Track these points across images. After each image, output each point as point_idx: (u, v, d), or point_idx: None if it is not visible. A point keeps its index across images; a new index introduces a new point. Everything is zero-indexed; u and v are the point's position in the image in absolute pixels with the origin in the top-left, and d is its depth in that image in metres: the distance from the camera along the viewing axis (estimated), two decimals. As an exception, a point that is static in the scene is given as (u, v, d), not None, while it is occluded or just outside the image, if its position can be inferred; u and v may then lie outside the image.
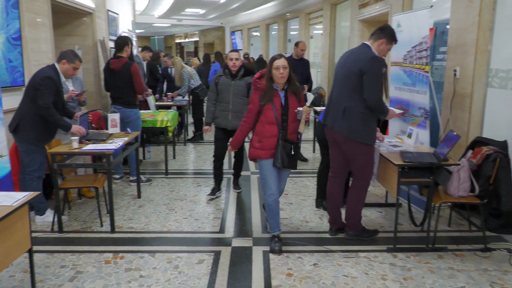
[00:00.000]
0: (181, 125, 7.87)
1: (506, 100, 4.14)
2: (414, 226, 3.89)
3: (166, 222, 4.02)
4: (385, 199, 4.58)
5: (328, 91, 10.55)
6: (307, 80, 6.71)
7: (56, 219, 3.77)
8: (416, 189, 4.18)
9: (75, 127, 3.89)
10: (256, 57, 15.64)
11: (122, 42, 4.93)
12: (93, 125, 5.14)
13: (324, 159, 4.23)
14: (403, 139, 4.14)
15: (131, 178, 5.14)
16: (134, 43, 9.71)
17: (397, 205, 3.45)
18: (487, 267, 3.17)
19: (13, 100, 4.07)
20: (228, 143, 4.07)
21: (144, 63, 7.33)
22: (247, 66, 4.55)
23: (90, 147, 3.78)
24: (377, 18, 7.63)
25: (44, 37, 5.00)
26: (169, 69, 7.74)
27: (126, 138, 4.14)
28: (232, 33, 20.36)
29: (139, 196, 4.69)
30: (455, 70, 4.51)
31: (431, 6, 4.00)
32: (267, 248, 3.46)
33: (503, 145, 3.53)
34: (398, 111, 4.07)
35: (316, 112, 6.27)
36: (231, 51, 4.52)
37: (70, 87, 4.36)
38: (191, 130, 8.43)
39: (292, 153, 3.35)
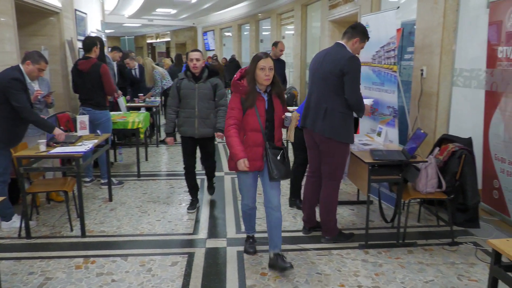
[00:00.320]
0: (153, 126, 7.78)
1: (470, 99, 4.30)
2: (385, 223, 3.97)
3: (138, 225, 3.97)
4: (356, 196, 4.66)
5: (300, 91, 10.65)
6: (284, 81, 6.76)
7: (23, 224, 3.65)
8: (386, 186, 4.27)
9: (58, 130, 3.82)
10: (228, 57, 15.65)
11: (91, 43, 4.82)
12: (61, 127, 5.01)
13: (297, 159, 4.27)
14: (373, 138, 4.22)
15: (102, 181, 5.04)
16: (104, 43, 9.51)
17: (368, 203, 3.51)
18: (454, 260, 3.27)
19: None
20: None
21: (114, 63, 7.20)
22: (212, 67, 4.25)
23: (59, 150, 3.68)
24: (347, 19, 7.76)
25: (8, 37, 4.84)
26: (132, 71, 7.61)
27: (96, 141, 4.06)
28: (204, 33, 20.27)
29: (110, 199, 4.60)
30: (422, 70, 4.65)
31: (398, 7, 4.10)
32: (241, 249, 3.47)
33: (468, 142, 3.66)
34: (369, 101, 4.07)
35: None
36: (192, 51, 4.04)
37: (36, 88, 4.23)
38: (163, 131, 8.33)
39: (285, 159, 3.03)
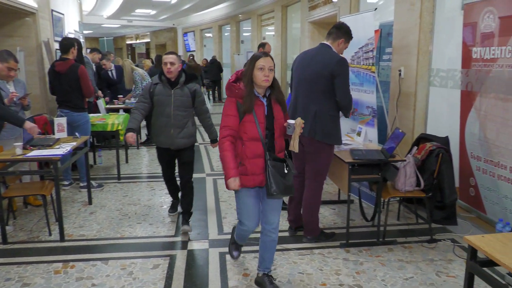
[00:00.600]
0: None
1: (447, 98, 4.39)
2: (366, 221, 4.02)
3: (119, 228, 3.92)
4: (337, 196, 4.71)
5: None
6: None
7: (-1, 230, 3.57)
8: (366, 185, 4.33)
9: (29, 124, 3.74)
10: (209, 58, 15.61)
11: (68, 44, 4.74)
12: (38, 129, 4.90)
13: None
14: (353, 137, 4.27)
15: (81, 184, 4.96)
16: (82, 44, 9.37)
17: (349, 202, 3.55)
18: (433, 257, 3.34)
19: None
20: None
21: (93, 65, 7.09)
22: (189, 71, 3.87)
23: (36, 153, 3.61)
24: (326, 20, 7.84)
25: (-19, 38, 4.72)
26: (109, 72, 7.51)
27: (74, 143, 4.00)
28: (185, 34, 20.15)
29: (90, 203, 4.54)
30: (399, 70, 4.72)
31: (376, 9, 4.16)
32: (223, 250, 3.46)
33: (445, 140, 3.74)
34: None
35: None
36: (166, 53, 3.64)
37: (11, 90, 4.14)
38: (144, 133, 8.25)
39: (286, 172, 2.65)
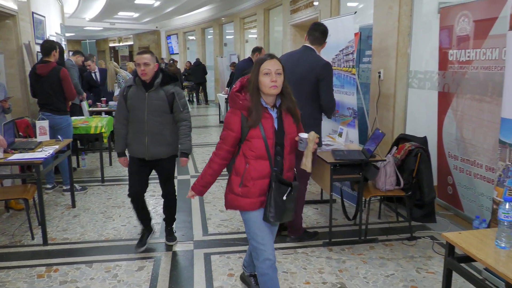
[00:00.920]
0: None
1: (425, 99, 4.47)
2: (348, 220, 4.06)
3: (103, 230, 3.86)
4: (320, 196, 4.73)
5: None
6: None
7: (-20, 235, 3.49)
8: (348, 185, 4.37)
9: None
10: (192, 61, 15.55)
11: (50, 46, 4.66)
12: (20, 133, 4.81)
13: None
14: (334, 138, 4.30)
15: (64, 187, 4.88)
16: (64, 47, 9.23)
17: (331, 201, 3.57)
18: (413, 254, 3.39)
19: None
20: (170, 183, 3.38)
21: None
22: (168, 71, 3.47)
23: (17, 156, 3.54)
24: (307, 23, 7.87)
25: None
26: (93, 74, 7.41)
27: (56, 146, 3.93)
28: (168, 37, 20.02)
29: (73, 206, 4.46)
30: (379, 72, 4.79)
31: (355, 12, 4.21)
32: (208, 250, 3.45)
33: (423, 140, 3.80)
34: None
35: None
36: (139, 53, 3.19)
37: (-8, 93, 4.05)
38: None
39: (284, 198, 2.29)
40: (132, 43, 24.02)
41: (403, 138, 4.02)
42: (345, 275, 3.06)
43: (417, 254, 3.39)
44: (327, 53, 4.44)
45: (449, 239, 2.00)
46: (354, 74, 4.21)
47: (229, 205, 2.45)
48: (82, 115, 6.36)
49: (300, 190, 3.51)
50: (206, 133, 9.20)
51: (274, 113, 2.31)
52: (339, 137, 4.26)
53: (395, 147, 3.92)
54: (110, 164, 6.31)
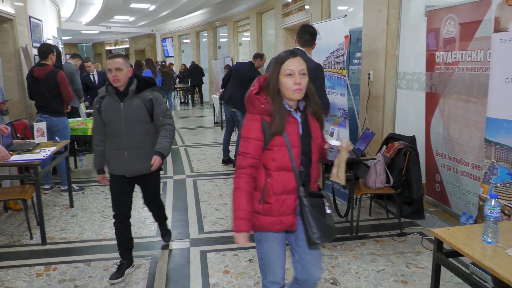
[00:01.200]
0: None
1: (413, 100, 4.49)
2: (339, 217, 4.07)
3: (101, 230, 3.84)
4: (313, 194, 4.74)
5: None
6: None
7: (-21, 235, 3.45)
8: (339, 183, 4.37)
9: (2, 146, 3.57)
10: (187, 64, 15.50)
11: (47, 50, 4.62)
12: (18, 135, 4.77)
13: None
14: (326, 138, 4.31)
15: (62, 188, 4.84)
16: (61, 50, 9.15)
17: (323, 199, 3.58)
18: (403, 249, 3.40)
19: None
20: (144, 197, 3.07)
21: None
22: (141, 75, 3.00)
23: (15, 158, 3.51)
24: (299, 26, 7.89)
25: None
26: (91, 76, 7.35)
27: (54, 148, 3.90)
28: (163, 40, 19.95)
29: (71, 206, 4.43)
30: (369, 74, 4.81)
31: (345, 16, 4.22)
32: (204, 248, 3.44)
33: (412, 139, 3.82)
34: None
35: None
36: (110, 57, 2.76)
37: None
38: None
39: (328, 211, 1.94)
40: (128, 46, 23.89)
41: (392, 138, 4.04)
42: (337, 271, 3.06)
43: (406, 249, 3.41)
44: (318, 55, 4.45)
45: (438, 235, 2.01)
46: (344, 76, 4.22)
47: (239, 228, 1.95)
48: (80, 117, 6.32)
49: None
50: (201, 133, 9.18)
51: (298, 117, 1.94)
52: (330, 137, 4.27)
53: (384, 146, 3.94)
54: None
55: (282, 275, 2.03)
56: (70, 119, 5.38)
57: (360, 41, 5.06)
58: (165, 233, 3.52)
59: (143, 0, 11.81)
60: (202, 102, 14.92)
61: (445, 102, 3.84)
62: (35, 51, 6.97)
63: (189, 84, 14.78)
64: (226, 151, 6.13)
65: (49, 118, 4.58)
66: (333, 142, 1.98)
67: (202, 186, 5.13)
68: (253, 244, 3.46)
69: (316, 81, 3.28)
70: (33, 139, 4.26)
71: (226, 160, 6.14)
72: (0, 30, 6.26)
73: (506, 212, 2.56)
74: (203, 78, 14.37)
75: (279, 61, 1.89)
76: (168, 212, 4.29)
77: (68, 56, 7.09)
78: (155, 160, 2.80)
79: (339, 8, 6.60)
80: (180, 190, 4.98)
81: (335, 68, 4.35)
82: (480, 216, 2.81)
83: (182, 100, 15.65)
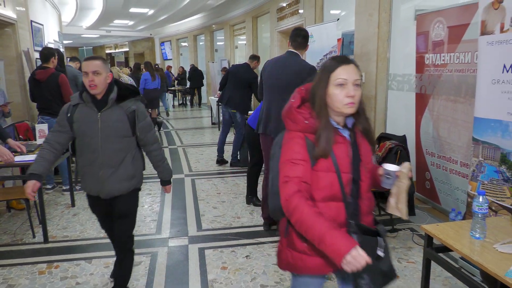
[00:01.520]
0: None
1: (403, 100, 4.50)
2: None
3: (101, 228, 3.82)
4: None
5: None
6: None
7: (-17, 234, 3.42)
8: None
9: (12, 142, 3.53)
10: (185, 67, 15.48)
11: (48, 53, 4.60)
12: (20, 136, 4.74)
13: (253, 159, 4.29)
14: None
15: (64, 188, 4.81)
16: (63, 54, 9.11)
17: (318, 197, 3.57)
18: (394, 245, 3.41)
19: None
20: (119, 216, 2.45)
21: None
22: (123, 82, 2.53)
23: (18, 159, 3.48)
24: (293, 30, 7.91)
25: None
26: None
27: (56, 148, 3.87)
28: (162, 43, 19.90)
29: (73, 205, 4.41)
30: (361, 75, 4.81)
31: (338, 19, 4.22)
32: (202, 245, 3.43)
33: (403, 139, 3.83)
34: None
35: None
36: (86, 59, 2.30)
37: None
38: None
39: (382, 254, 1.54)
40: (127, 49, 23.82)
41: (384, 137, 4.05)
42: (331, 266, 3.06)
43: (398, 245, 3.41)
44: (312, 58, 4.46)
45: (428, 230, 2.01)
46: (337, 77, 4.23)
47: (286, 264, 1.64)
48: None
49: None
50: (199, 134, 9.17)
51: (348, 135, 1.57)
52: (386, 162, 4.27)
53: (376, 146, 3.94)
54: (108, 164, 6.25)
55: None
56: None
57: (352, 44, 5.07)
58: (119, 276, 2.60)
59: (142, 4, 11.78)
60: (200, 104, 14.91)
61: (434, 103, 3.85)
62: (36, 55, 6.94)
63: (187, 86, 14.78)
64: (221, 151, 6.13)
65: (50, 119, 4.55)
66: (390, 166, 1.59)
67: (200, 185, 5.12)
68: (250, 241, 3.49)
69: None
70: (35, 140, 4.23)
71: (220, 160, 6.14)
72: (2, 34, 6.22)
73: (493, 208, 2.57)
74: (204, 81, 14.39)
75: (329, 67, 1.52)
76: (167, 209, 4.28)
77: (68, 60, 7.05)
78: (168, 189, 2.70)
79: (332, 12, 6.61)
80: (178, 189, 4.97)
81: (328, 70, 4.35)
82: (468, 213, 2.82)
83: (181, 102, 15.63)
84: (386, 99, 4.65)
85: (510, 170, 2.53)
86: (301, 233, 1.45)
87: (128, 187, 2.43)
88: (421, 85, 4.01)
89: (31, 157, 3.53)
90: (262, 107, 3.57)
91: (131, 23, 16.13)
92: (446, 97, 3.70)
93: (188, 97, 15.26)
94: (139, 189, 2.58)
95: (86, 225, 3.88)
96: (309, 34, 4.54)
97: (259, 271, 3.00)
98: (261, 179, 3.96)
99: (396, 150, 3.65)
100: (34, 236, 3.62)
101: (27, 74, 6.30)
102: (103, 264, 3.12)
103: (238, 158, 6.02)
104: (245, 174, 4.49)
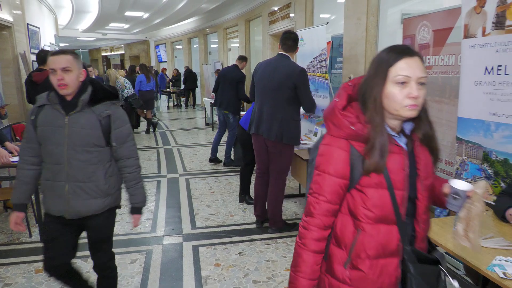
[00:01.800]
0: None
1: (391, 101, 4.52)
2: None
3: (97, 227, 3.79)
4: (298, 190, 4.76)
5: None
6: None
7: (-20, 233, 3.38)
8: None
9: (10, 144, 3.49)
10: (180, 69, 15.42)
11: (45, 56, 4.55)
12: (17, 137, 4.69)
13: (245, 159, 4.29)
14: (310, 137, 4.33)
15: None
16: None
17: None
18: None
19: None
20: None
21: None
22: (99, 82, 2.06)
23: (15, 159, 3.44)
24: (285, 33, 7.92)
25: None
26: None
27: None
28: (157, 46, 19.82)
29: (69, 204, 4.36)
30: (349, 77, 4.83)
31: (327, 23, 4.24)
32: (196, 243, 3.42)
33: (390, 138, 3.85)
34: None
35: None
36: (53, 53, 1.89)
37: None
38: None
39: (455, 284, 1.23)
40: (123, 52, 23.69)
41: (372, 137, 4.06)
42: (321, 262, 3.07)
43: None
44: (302, 60, 4.47)
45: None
46: (327, 79, 4.24)
47: None
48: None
49: (279, 187, 3.52)
50: (193, 134, 9.13)
51: (403, 144, 1.24)
52: (314, 137, 4.28)
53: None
54: (104, 164, 6.21)
55: None
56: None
57: (341, 46, 5.09)
58: None
59: (137, 8, 11.71)
60: (194, 105, 14.87)
61: (420, 103, 3.88)
62: (33, 57, 6.87)
63: (182, 88, 14.74)
64: (214, 150, 6.15)
65: (47, 121, 4.51)
66: (459, 184, 1.24)
67: (194, 184, 5.11)
68: (243, 238, 3.50)
69: (301, 84, 3.29)
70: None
71: (213, 159, 6.16)
72: (-1, 37, 6.16)
73: (476, 204, 2.60)
74: (198, 82, 14.37)
75: (387, 60, 1.18)
76: (162, 208, 4.26)
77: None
78: (135, 219, 2.12)
79: (322, 16, 6.63)
80: (173, 188, 4.95)
81: (318, 72, 4.36)
82: (452, 209, 2.84)
83: (175, 103, 15.57)
84: (374, 100, 4.67)
85: (492, 168, 2.56)
86: (292, 263, 1.30)
87: (100, 206, 1.99)
88: (407, 87, 4.03)
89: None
90: (254, 108, 3.58)
91: (126, 26, 16.04)
92: (431, 98, 3.72)
93: (183, 99, 15.21)
94: (118, 207, 2.16)
95: (82, 224, 3.85)
96: (300, 37, 4.56)
97: (252, 268, 3.00)
98: (253, 178, 3.96)
99: (384, 149, 3.66)
100: (30, 236, 3.58)
101: (24, 76, 6.23)
102: (99, 262, 3.09)
103: (232, 158, 6.02)
104: (238, 173, 4.49)
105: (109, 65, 25.71)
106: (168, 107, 15.12)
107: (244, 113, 4.73)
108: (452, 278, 1.24)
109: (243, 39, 10.85)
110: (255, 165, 3.77)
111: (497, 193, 2.37)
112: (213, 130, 9.31)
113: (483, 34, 2.56)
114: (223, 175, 5.52)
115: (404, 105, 1.16)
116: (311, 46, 4.39)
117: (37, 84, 4.48)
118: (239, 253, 3.23)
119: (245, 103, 9.49)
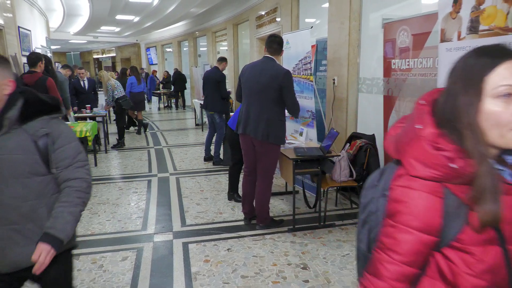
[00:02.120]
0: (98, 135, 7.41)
1: (372, 102, 4.58)
2: (309, 208, 4.10)
3: (89, 225, 3.75)
4: (285, 188, 4.77)
5: (234, 98, 10.68)
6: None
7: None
8: (308, 177, 4.42)
9: None
10: (170, 71, 15.32)
11: (36, 58, 4.48)
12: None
13: (233, 158, 4.28)
14: (296, 137, 4.34)
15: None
16: (51, 58, 8.89)
17: (294, 192, 3.60)
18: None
19: None
20: None
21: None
22: (36, 92, 1.51)
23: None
24: (271, 37, 7.93)
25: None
26: (81, 81, 7.17)
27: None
28: (147, 49, 19.65)
29: (61, 204, 4.29)
30: (334, 79, 4.87)
31: (312, 27, 4.26)
32: (186, 240, 3.41)
33: (372, 138, 3.89)
34: None
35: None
36: None
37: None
38: (114, 138, 7.96)
39: None
40: (114, 54, 23.43)
41: (354, 136, 4.10)
42: (307, 257, 3.09)
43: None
44: (288, 63, 4.48)
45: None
46: (312, 81, 4.26)
47: None
48: (68, 121, 6.16)
49: (266, 185, 3.53)
50: (183, 134, 9.08)
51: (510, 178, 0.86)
52: (300, 136, 4.30)
53: (348, 144, 3.99)
54: (95, 165, 6.12)
55: None
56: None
57: (325, 50, 5.12)
58: None
59: (128, 12, 11.59)
60: (184, 106, 14.79)
61: (400, 104, 3.93)
62: (24, 60, 6.75)
63: (172, 90, 14.65)
64: (207, 149, 6.14)
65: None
66: None
67: (184, 183, 5.08)
68: (231, 235, 3.49)
69: (286, 86, 3.30)
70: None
71: (207, 158, 6.14)
72: (-10, 40, 6.03)
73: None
74: (186, 84, 14.29)
75: (480, 67, 0.83)
76: (153, 207, 4.22)
77: (59, 66, 6.92)
78: (39, 251, 1.36)
79: (307, 20, 6.66)
80: (164, 187, 4.91)
81: (303, 74, 4.38)
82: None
83: (166, 104, 15.47)
84: (357, 101, 4.71)
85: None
86: None
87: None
88: (388, 88, 4.08)
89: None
90: (241, 109, 3.57)
91: (117, 29, 15.86)
92: (410, 99, 3.78)
93: (173, 100, 15.12)
94: (74, 248, 1.68)
95: (74, 223, 3.80)
96: (285, 41, 4.57)
97: (240, 263, 3.00)
98: (241, 177, 3.95)
99: (366, 148, 3.70)
100: (22, 235, 3.51)
101: (15, 78, 6.12)
102: (91, 260, 3.06)
103: (221, 157, 6.01)
104: (227, 172, 4.48)
105: (100, 67, 25.39)
106: (159, 108, 15.00)
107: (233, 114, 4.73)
108: None
109: (231, 42, 10.84)
110: (243, 164, 3.77)
111: None
112: (202, 131, 9.28)
113: (459, 38, 2.60)
114: (213, 174, 5.50)
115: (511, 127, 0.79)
116: (296, 49, 4.41)
117: (28, 86, 4.40)
118: (228, 249, 3.23)
119: (233, 104, 9.49)
